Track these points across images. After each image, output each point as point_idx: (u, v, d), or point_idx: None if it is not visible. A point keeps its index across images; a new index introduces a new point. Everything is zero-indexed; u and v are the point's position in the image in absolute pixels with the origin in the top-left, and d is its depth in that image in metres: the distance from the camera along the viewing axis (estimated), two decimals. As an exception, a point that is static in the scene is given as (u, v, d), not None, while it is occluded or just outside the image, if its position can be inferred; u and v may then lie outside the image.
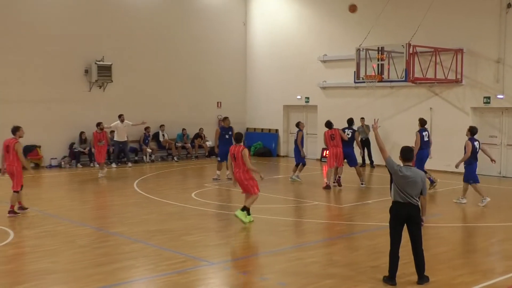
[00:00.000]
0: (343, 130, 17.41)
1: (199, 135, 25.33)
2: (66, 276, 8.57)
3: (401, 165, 8.12)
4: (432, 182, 16.62)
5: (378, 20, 20.54)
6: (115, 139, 22.12)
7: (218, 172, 18.39)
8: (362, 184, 17.28)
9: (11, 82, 20.82)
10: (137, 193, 16.16)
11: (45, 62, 21.54)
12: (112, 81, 22.79)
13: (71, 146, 22.16)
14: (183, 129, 24.98)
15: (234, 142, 12.30)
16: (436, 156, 20.51)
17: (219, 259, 9.59)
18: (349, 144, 17.39)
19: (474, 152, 14.12)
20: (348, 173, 18.19)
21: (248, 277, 8.53)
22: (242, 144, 12.03)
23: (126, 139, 22.36)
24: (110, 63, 22.61)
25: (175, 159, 24.21)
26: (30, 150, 21.05)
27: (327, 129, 17.16)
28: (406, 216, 8.00)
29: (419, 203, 8.07)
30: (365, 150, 22.57)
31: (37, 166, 21.35)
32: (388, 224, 8.16)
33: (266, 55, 26.92)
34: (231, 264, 9.32)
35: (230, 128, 18.34)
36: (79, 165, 21.85)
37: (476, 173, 14.41)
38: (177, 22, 25.15)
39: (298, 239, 11.06)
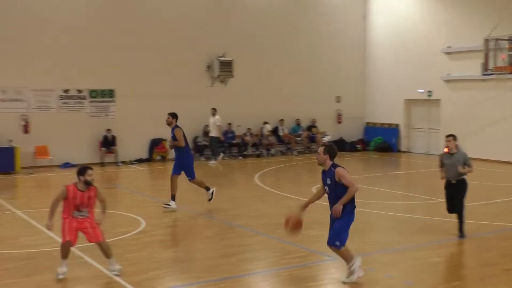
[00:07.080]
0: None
1: (312, 126, 25.42)
2: (193, 266, 8.91)
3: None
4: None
5: (508, 7, 19.35)
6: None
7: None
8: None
9: (139, 78, 21.90)
10: (258, 186, 16.46)
11: (169, 58, 22.42)
12: (233, 76, 23.36)
13: (195, 139, 22.99)
14: (297, 119, 25.24)
15: None
16: None
17: (341, 254, 9.50)
18: None
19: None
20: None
21: (374, 274, 8.39)
22: None
23: (213, 134, 21.89)
24: (231, 59, 23.18)
25: (294, 154, 24.37)
26: (157, 144, 22.24)
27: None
28: None
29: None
30: None
31: (163, 158, 22.44)
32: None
33: (386, 48, 26.28)
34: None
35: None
36: (202, 158, 22.62)
37: None
38: (296, 17, 25.24)
39: (423, 237, 10.72)
